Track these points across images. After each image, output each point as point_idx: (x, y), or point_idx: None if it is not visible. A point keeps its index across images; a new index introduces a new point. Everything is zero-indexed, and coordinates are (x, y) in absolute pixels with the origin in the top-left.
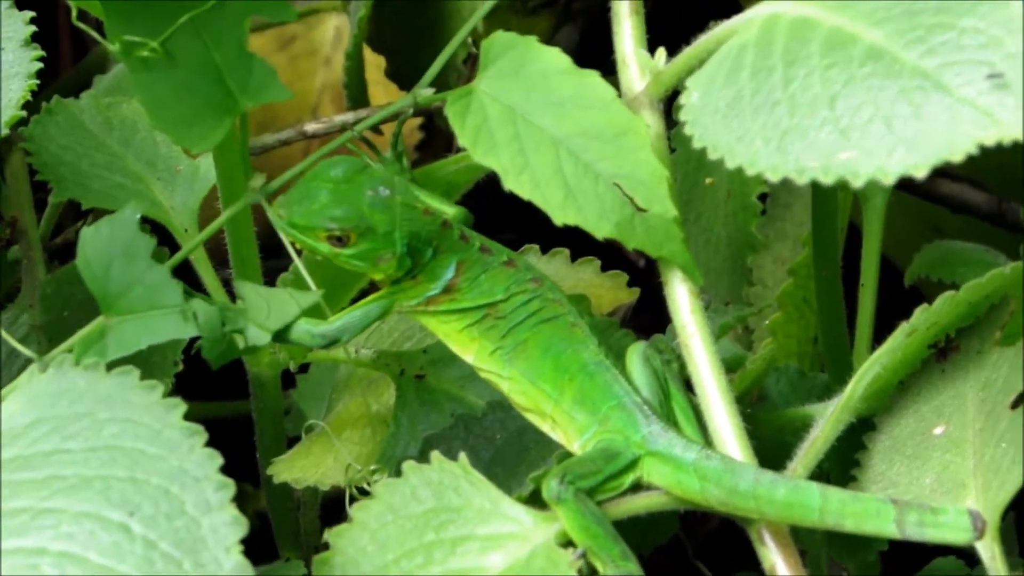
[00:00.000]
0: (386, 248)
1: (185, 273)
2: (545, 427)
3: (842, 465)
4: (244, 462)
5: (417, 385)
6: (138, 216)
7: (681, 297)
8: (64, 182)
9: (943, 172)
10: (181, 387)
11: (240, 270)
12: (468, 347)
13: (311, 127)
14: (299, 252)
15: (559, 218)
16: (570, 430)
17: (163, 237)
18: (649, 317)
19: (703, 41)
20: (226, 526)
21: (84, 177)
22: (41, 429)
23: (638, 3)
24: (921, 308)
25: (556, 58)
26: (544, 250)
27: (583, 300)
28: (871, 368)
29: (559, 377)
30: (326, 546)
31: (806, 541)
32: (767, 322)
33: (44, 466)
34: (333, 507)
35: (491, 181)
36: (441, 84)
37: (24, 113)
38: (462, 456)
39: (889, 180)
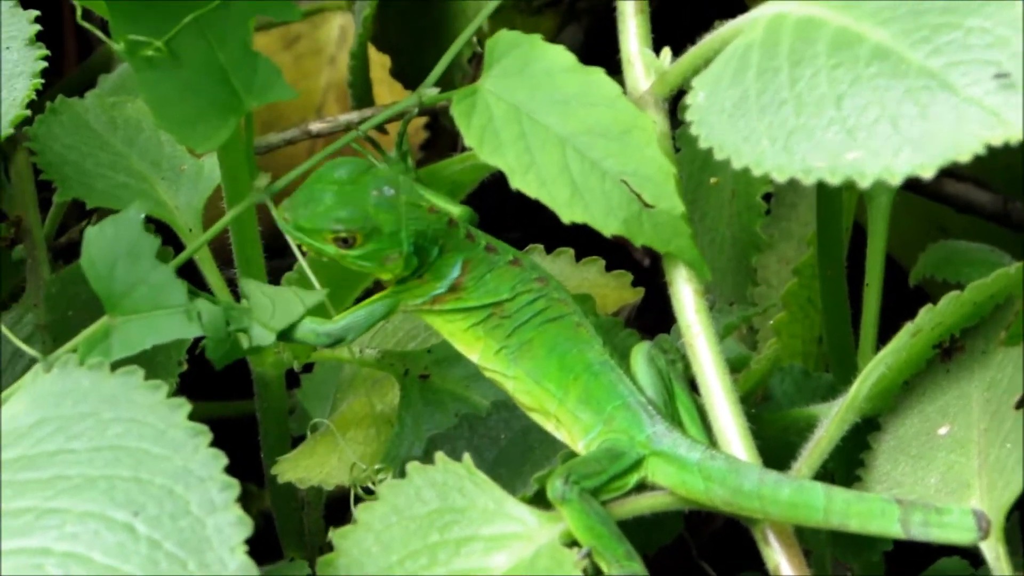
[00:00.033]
0: (392, 248)
1: (189, 273)
2: (549, 427)
3: (847, 465)
4: (248, 462)
5: (421, 385)
6: (142, 216)
7: (686, 297)
8: (68, 181)
9: (948, 172)
10: (185, 386)
11: (245, 269)
12: (473, 346)
13: (316, 126)
14: (304, 252)
15: (566, 216)
16: (575, 430)
17: (167, 237)
18: (654, 317)
19: (708, 41)
20: (231, 526)
21: (88, 176)
22: (45, 429)
23: (643, 2)
24: (926, 308)
25: (561, 56)
26: (549, 249)
27: (588, 300)
28: (876, 368)
29: (564, 377)
30: (330, 546)
31: (810, 541)
32: (772, 322)
33: (48, 466)
34: (337, 507)
35: (496, 180)
36: (446, 83)
37: (28, 112)
38: (466, 457)
39: (896, 180)
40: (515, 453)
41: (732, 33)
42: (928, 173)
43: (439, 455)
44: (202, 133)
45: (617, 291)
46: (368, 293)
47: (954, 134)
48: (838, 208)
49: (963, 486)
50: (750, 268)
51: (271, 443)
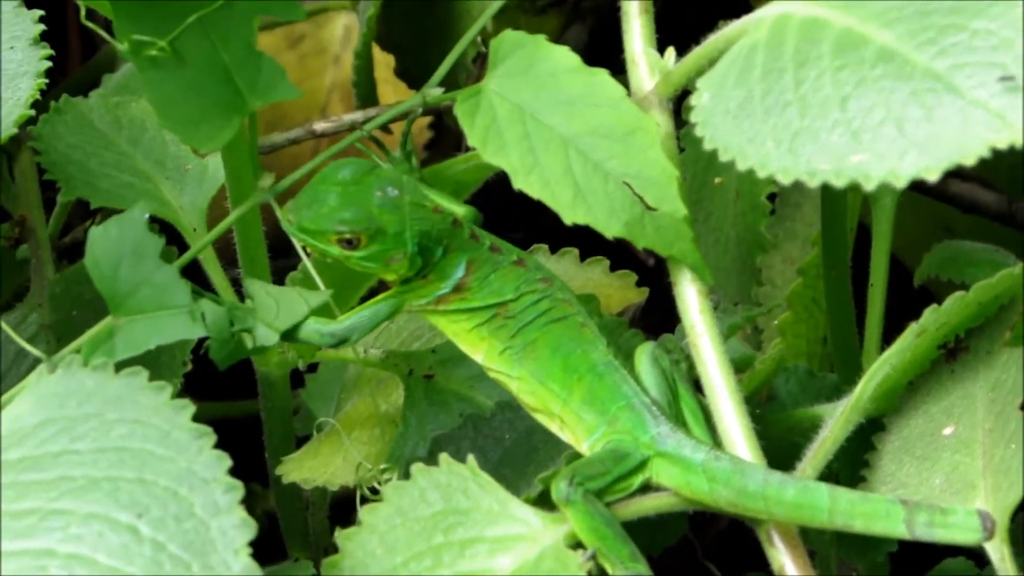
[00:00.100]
0: (397, 248)
1: (194, 273)
2: (554, 427)
3: (851, 466)
4: (253, 462)
5: (426, 385)
6: (147, 215)
7: (690, 297)
8: (73, 181)
9: (953, 172)
10: (189, 386)
11: (249, 269)
12: (477, 347)
13: (320, 126)
14: (308, 252)
15: (569, 217)
16: (579, 431)
17: (172, 236)
18: (658, 317)
19: (712, 41)
20: (235, 528)
21: (93, 176)
22: (49, 430)
23: (647, 2)
24: (931, 308)
25: (565, 57)
26: (553, 250)
27: (592, 300)
28: (880, 368)
29: (568, 377)
30: (335, 548)
31: (815, 542)
32: (776, 322)
33: (52, 467)
34: (342, 507)
35: (500, 180)
36: (450, 83)
37: (33, 112)
38: (470, 458)
39: (901, 183)
40: (519, 454)
41: (737, 33)
42: (933, 176)
43: (443, 456)
44: (206, 133)
45: (621, 291)
46: (372, 293)
47: (959, 137)
48: (842, 208)
49: (968, 487)
50: (754, 268)
51: (275, 443)
